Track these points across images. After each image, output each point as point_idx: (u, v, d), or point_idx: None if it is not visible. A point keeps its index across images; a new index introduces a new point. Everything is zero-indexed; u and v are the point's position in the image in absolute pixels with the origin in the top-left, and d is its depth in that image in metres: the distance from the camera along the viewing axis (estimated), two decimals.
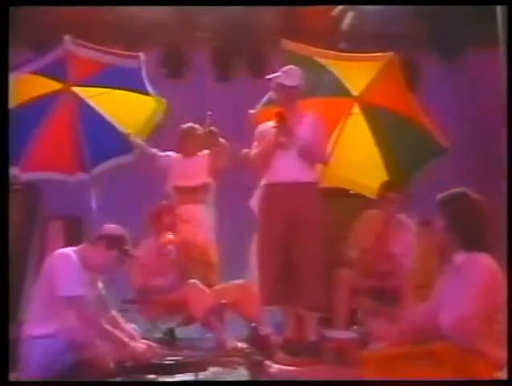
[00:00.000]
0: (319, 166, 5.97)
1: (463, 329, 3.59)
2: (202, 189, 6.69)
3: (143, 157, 6.73)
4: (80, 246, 4.91)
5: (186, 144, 6.75)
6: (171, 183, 6.68)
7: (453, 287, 3.72)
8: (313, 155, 5.66)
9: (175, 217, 6.25)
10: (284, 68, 5.72)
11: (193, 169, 6.67)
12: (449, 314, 3.63)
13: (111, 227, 4.97)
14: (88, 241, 4.97)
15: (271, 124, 5.69)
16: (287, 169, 5.60)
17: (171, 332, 6.33)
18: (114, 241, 4.87)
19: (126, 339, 4.85)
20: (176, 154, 6.79)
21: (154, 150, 6.75)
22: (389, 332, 4.00)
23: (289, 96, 5.63)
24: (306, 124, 5.65)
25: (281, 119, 5.56)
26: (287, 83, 5.62)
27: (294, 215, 5.58)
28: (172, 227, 6.22)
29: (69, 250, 4.84)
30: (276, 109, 5.63)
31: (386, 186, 6.26)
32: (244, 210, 6.45)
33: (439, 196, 3.91)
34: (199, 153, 6.75)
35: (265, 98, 6.03)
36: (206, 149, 6.71)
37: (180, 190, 6.62)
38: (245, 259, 6.48)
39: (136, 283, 6.10)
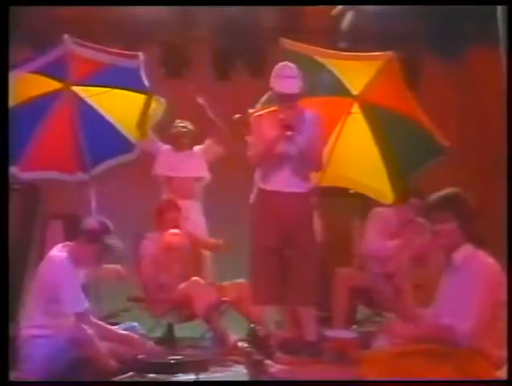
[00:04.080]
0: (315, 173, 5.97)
1: (473, 333, 3.59)
2: (193, 183, 6.72)
3: (143, 155, 6.74)
4: (69, 243, 4.96)
5: (178, 140, 6.80)
6: (162, 172, 6.70)
7: (456, 288, 3.72)
8: (308, 162, 5.64)
9: (177, 212, 6.27)
10: (279, 69, 5.65)
11: (184, 162, 6.73)
12: (457, 319, 3.62)
13: (90, 222, 5.00)
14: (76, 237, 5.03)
15: (266, 112, 5.67)
16: (284, 179, 5.60)
17: (170, 328, 6.34)
18: (94, 235, 4.90)
19: (136, 336, 4.91)
20: (168, 147, 6.85)
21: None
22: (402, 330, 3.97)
23: (289, 101, 5.59)
24: (304, 124, 5.64)
25: (289, 129, 5.53)
26: (288, 91, 5.57)
27: (288, 222, 5.57)
28: (175, 223, 6.24)
29: (63, 255, 4.88)
30: (284, 121, 5.56)
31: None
32: (244, 208, 6.46)
33: (436, 199, 3.91)
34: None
35: (264, 97, 6.03)
36: (197, 145, 6.77)
37: (171, 181, 6.64)
38: (245, 258, 6.48)
39: (140, 279, 6.15)
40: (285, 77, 5.61)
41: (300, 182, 5.63)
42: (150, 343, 5.21)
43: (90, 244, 4.91)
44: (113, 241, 4.99)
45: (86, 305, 4.88)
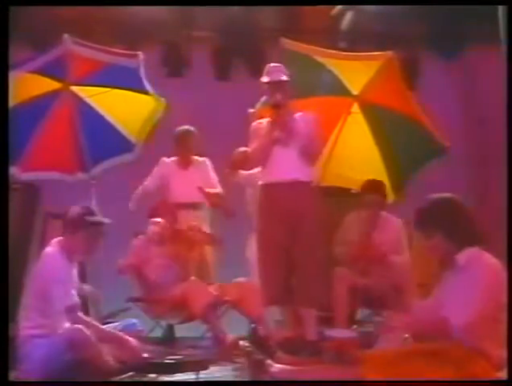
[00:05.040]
0: (317, 165, 5.96)
1: (468, 328, 3.59)
2: (200, 204, 6.74)
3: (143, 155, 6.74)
4: (60, 238, 4.96)
5: (181, 149, 6.80)
6: (170, 199, 6.72)
7: (457, 286, 3.71)
8: (308, 150, 5.64)
9: (173, 217, 6.27)
10: (267, 68, 5.73)
11: (189, 182, 6.71)
12: (454, 313, 3.62)
13: (73, 209, 4.99)
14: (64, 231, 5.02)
15: (266, 120, 5.70)
16: (284, 168, 5.58)
17: (170, 329, 6.34)
18: (80, 220, 4.90)
19: (125, 337, 4.90)
20: (171, 162, 6.83)
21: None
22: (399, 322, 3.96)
23: (280, 91, 5.59)
24: (300, 122, 5.65)
25: (277, 112, 5.54)
26: (273, 78, 5.62)
27: (292, 215, 5.57)
28: (171, 225, 6.24)
29: (55, 250, 4.88)
30: (272, 102, 5.61)
31: (369, 185, 6.28)
32: (243, 208, 6.46)
33: (419, 214, 3.88)
34: (195, 160, 6.79)
35: (264, 97, 6.03)
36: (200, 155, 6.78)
37: (179, 206, 6.65)
38: (245, 258, 6.49)
39: (139, 280, 6.16)
40: (272, 71, 5.68)
41: (301, 171, 5.62)
42: (146, 345, 5.16)
43: (79, 230, 4.89)
44: (100, 219, 4.98)
45: (75, 299, 4.86)
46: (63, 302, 4.76)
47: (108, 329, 4.99)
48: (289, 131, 5.57)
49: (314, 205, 5.66)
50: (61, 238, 4.97)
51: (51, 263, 4.83)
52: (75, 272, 4.97)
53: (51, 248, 4.92)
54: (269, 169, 5.67)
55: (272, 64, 5.77)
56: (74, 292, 4.89)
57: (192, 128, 6.85)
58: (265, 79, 5.70)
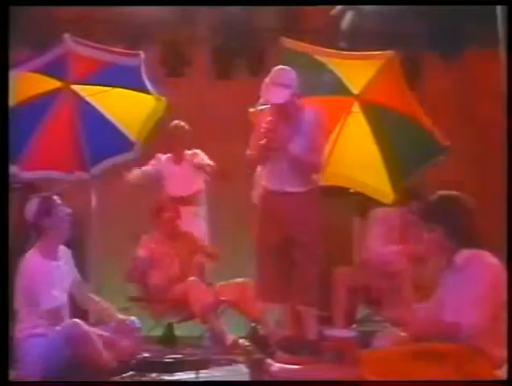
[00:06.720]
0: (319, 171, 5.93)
1: (478, 330, 3.59)
2: (195, 196, 6.75)
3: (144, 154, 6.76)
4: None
5: (174, 144, 6.80)
6: (166, 193, 6.73)
7: (456, 286, 3.72)
8: (306, 168, 5.59)
9: (175, 213, 6.28)
10: (274, 73, 5.52)
11: (184, 176, 6.73)
12: (454, 313, 3.63)
13: (27, 214, 5.00)
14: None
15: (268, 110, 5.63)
16: (282, 178, 5.55)
17: (170, 328, 6.35)
18: (43, 210, 4.96)
19: (116, 338, 4.88)
20: (166, 158, 6.83)
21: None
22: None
23: (281, 110, 5.51)
24: (302, 126, 5.58)
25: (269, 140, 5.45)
26: (272, 100, 5.50)
27: (288, 221, 5.55)
28: (173, 223, 6.25)
29: (35, 254, 4.89)
30: (264, 129, 5.48)
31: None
32: (244, 207, 6.46)
33: (423, 207, 3.91)
34: (187, 154, 6.78)
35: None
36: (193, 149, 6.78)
37: (174, 199, 6.66)
38: (246, 257, 6.48)
39: (139, 280, 6.17)
40: (275, 84, 5.49)
41: (302, 182, 5.60)
42: (145, 344, 5.17)
43: (45, 228, 4.93)
44: (61, 209, 5.02)
45: (57, 301, 4.83)
46: (50, 304, 4.76)
47: (98, 331, 4.94)
48: (283, 149, 5.51)
49: (311, 210, 5.62)
50: (37, 243, 4.97)
51: (32, 268, 4.83)
52: (59, 272, 4.96)
53: (30, 253, 4.92)
54: (267, 174, 5.65)
55: (280, 69, 5.53)
56: (60, 293, 4.88)
57: (182, 122, 6.86)
58: (265, 96, 5.50)
